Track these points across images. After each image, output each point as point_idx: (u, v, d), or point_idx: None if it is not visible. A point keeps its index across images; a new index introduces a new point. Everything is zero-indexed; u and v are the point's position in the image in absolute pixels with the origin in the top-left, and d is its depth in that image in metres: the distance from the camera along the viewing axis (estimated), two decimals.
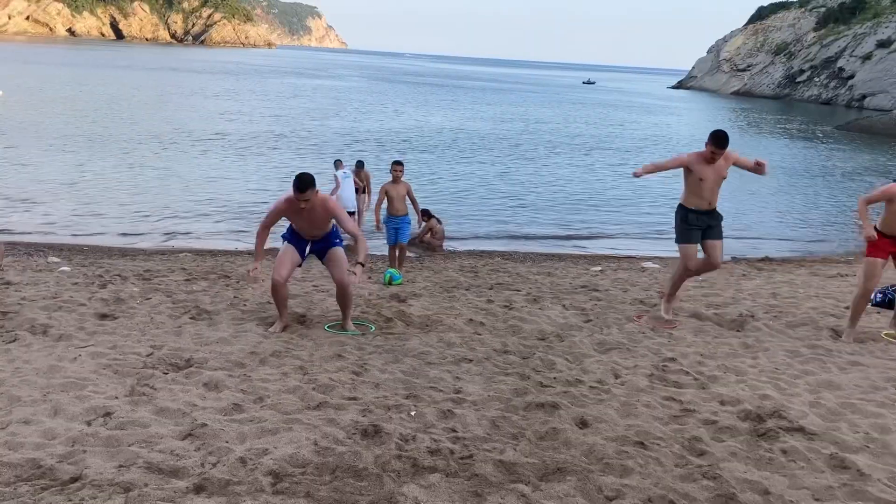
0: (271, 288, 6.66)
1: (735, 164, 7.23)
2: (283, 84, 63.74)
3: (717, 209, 7.38)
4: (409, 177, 11.64)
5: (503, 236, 14.69)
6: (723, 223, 7.46)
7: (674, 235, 7.60)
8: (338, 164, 13.71)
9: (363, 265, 6.40)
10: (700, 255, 7.45)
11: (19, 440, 4.00)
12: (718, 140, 6.92)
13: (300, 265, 6.87)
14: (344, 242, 6.95)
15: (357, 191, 13.48)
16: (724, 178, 7.25)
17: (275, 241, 7.18)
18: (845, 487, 3.96)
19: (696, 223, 7.30)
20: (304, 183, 6.28)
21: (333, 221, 6.68)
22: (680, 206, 7.40)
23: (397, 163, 10.25)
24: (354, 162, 14.82)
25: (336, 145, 26.16)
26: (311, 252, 6.82)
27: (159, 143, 24.20)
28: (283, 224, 6.89)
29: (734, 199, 20.97)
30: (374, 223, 10.85)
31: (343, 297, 6.75)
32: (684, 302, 8.67)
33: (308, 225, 6.63)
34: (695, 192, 7.23)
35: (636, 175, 7.29)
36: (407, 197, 10.18)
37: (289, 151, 24.44)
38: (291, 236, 6.77)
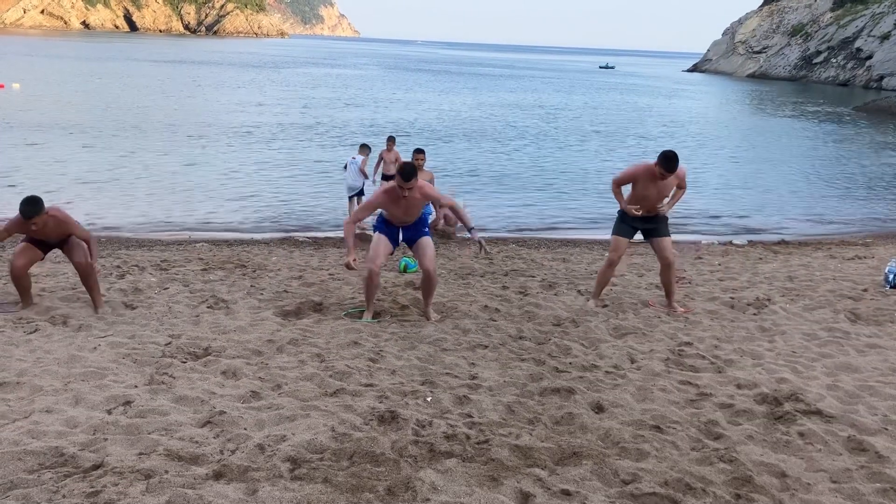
0: (367, 278, 6.77)
1: (679, 182, 7.20)
2: (302, 74, 63.57)
3: (662, 214, 7.37)
4: (435, 166, 11.53)
5: (524, 227, 14.59)
6: (668, 223, 7.47)
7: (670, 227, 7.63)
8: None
9: (474, 228, 6.89)
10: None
11: (42, 429, 4.06)
12: (668, 162, 6.87)
13: (392, 253, 7.09)
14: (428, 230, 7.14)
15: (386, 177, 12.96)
16: (667, 196, 7.25)
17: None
18: (863, 469, 3.96)
19: (632, 223, 7.36)
20: (409, 173, 6.45)
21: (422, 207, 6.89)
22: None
23: (419, 151, 10.16)
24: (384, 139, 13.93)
25: (364, 135, 25.95)
26: (403, 240, 6.99)
27: (182, 135, 24.11)
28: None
29: (750, 182, 20.86)
30: None
31: (428, 285, 6.89)
32: (700, 287, 8.64)
33: (403, 212, 6.78)
34: (635, 199, 7.26)
35: (629, 212, 7.33)
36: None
37: (315, 142, 24.26)
38: (383, 225, 6.93)
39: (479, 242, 6.99)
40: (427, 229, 7.12)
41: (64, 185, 15.66)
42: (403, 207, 6.72)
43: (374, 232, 6.98)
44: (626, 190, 7.39)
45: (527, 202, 16.73)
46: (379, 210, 6.91)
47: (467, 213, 6.95)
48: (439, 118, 33.58)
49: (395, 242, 6.96)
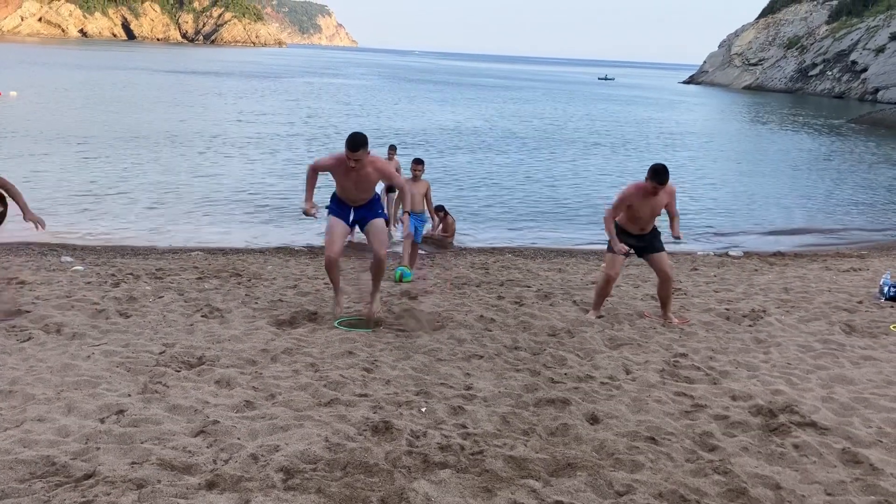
0: (325, 265, 6.69)
1: (669, 204, 7.22)
2: (302, 84, 63.47)
3: (656, 228, 7.42)
4: (439, 176, 11.45)
5: (520, 237, 14.57)
6: (661, 237, 7.47)
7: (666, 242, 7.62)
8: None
9: (409, 213, 6.64)
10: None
11: (33, 437, 4.04)
12: (658, 175, 6.89)
13: (350, 235, 6.90)
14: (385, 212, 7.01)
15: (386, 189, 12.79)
16: (658, 215, 7.27)
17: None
18: (857, 482, 3.95)
19: (625, 240, 7.35)
20: (356, 142, 6.22)
21: (376, 188, 6.76)
22: (616, 222, 7.45)
23: (417, 161, 10.20)
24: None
25: (371, 145, 25.89)
26: (353, 220, 6.82)
27: (183, 145, 23.99)
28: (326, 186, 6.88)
29: (746, 193, 20.92)
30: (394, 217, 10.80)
31: (378, 269, 6.75)
32: (696, 298, 8.65)
33: (354, 186, 6.55)
34: (628, 219, 7.29)
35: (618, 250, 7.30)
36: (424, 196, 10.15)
37: (316, 152, 24.09)
38: (335, 206, 6.73)
39: (401, 220, 6.68)
40: (382, 211, 6.92)
41: (64, 195, 15.63)
42: (353, 180, 6.48)
43: (328, 214, 6.76)
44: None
45: (526, 213, 16.74)
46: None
47: (408, 198, 6.77)
48: (441, 129, 33.61)
49: (347, 223, 6.75)
